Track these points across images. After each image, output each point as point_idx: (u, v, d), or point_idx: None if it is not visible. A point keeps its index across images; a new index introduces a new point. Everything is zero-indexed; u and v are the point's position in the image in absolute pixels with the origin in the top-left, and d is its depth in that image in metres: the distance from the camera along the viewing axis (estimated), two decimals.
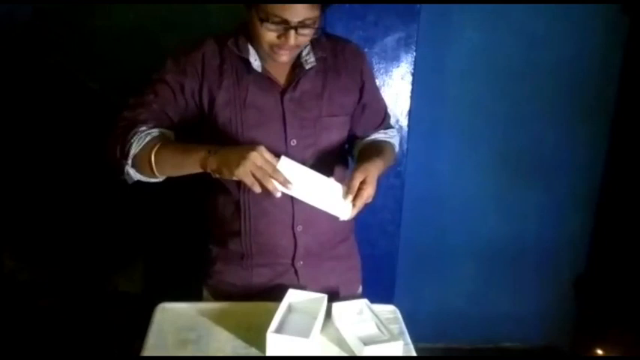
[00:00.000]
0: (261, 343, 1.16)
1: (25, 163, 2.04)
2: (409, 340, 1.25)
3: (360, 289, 1.56)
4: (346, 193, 1.24)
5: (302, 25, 1.20)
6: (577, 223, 2.57)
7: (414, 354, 1.21)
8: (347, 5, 1.88)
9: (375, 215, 2.03)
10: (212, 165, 1.18)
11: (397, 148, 1.54)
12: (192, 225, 1.99)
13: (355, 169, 1.26)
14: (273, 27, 1.20)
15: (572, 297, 2.64)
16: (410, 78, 2.00)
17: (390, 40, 1.93)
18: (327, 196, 1.23)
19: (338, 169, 1.43)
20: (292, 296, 1.29)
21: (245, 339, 1.21)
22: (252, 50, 1.31)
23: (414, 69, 1.99)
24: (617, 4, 2.29)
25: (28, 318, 2.19)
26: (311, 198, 1.21)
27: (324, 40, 1.38)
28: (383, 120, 1.52)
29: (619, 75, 2.37)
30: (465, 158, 2.45)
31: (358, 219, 1.36)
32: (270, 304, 1.26)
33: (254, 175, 1.13)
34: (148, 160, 1.25)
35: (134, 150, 1.26)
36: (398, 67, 1.99)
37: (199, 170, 1.22)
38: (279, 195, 1.15)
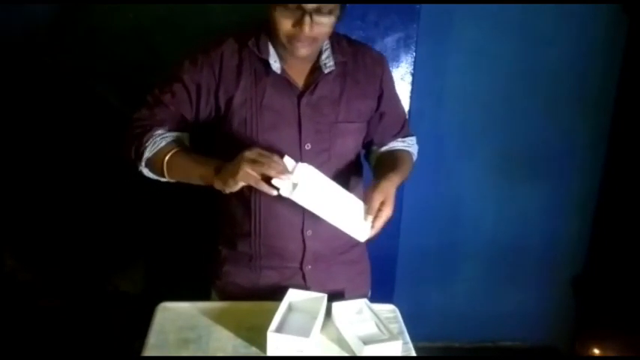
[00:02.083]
0: (261, 343, 1.16)
1: (25, 163, 2.04)
2: (409, 340, 1.25)
3: (370, 293, 1.55)
4: (366, 214, 1.24)
5: (318, 12, 1.18)
6: (576, 223, 2.57)
7: (413, 353, 1.21)
8: (347, 5, 1.88)
9: None
10: (218, 184, 1.20)
11: (415, 157, 1.52)
12: (194, 225, 1.99)
13: (373, 189, 1.25)
14: (288, 13, 1.19)
15: (571, 296, 2.64)
16: (410, 78, 2.00)
17: (390, 40, 1.93)
18: (346, 214, 1.22)
19: (352, 175, 1.41)
20: (292, 296, 1.29)
21: (246, 338, 1.21)
22: (272, 51, 1.30)
23: (414, 69, 1.99)
24: (617, 4, 2.29)
25: (28, 318, 2.18)
26: (330, 215, 1.21)
27: (345, 45, 1.37)
28: (401, 128, 1.50)
29: (619, 75, 2.38)
30: (464, 158, 2.46)
31: None
32: (270, 304, 1.26)
33: (256, 176, 1.13)
34: (161, 165, 1.28)
35: (148, 154, 1.29)
36: (398, 67, 1.99)
37: (204, 184, 1.24)
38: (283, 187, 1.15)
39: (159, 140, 1.30)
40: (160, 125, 1.32)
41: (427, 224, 2.51)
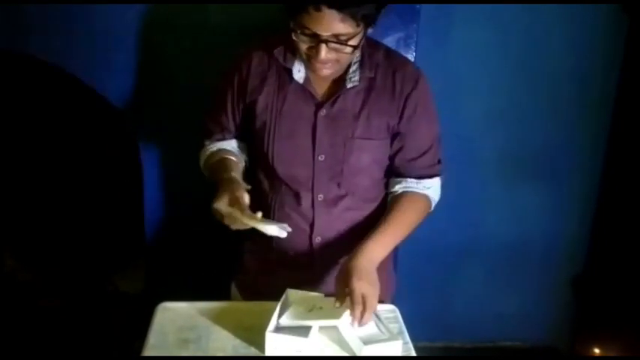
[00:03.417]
0: (261, 343, 1.16)
1: (25, 163, 2.04)
2: (409, 340, 1.25)
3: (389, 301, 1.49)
4: (352, 313, 1.16)
5: (334, 39, 1.17)
6: (576, 223, 2.57)
7: (413, 353, 1.21)
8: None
9: None
10: None
11: (435, 201, 1.47)
12: (196, 224, 1.99)
13: (342, 276, 1.21)
14: (304, 38, 1.20)
15: (571, 296, 2.64)
16: None
17: (390, 40, 1.92)
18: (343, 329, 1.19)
19: (369, 189, 1.40)
20: (292, 296, 1.29)
21: (245, 338, 1.21)
22: (297, 60, 1.30)
23: None
24: (617, 4, 2.29)
25: (28, 318, 2.19)
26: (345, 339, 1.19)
27: (381, 58, 1.35)
28: (421, 155, 1.38)
29: (619, 75, 2.37)
30: (464, 158, 2.45)
31: None
32: (270, 304, 1.26)
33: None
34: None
35: (201, 164, 1.47)
36: None
37: None
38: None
39: (203, 153, 1.44)
40: (207, 137, 1.44)
41: (427, 224, 2.50)
